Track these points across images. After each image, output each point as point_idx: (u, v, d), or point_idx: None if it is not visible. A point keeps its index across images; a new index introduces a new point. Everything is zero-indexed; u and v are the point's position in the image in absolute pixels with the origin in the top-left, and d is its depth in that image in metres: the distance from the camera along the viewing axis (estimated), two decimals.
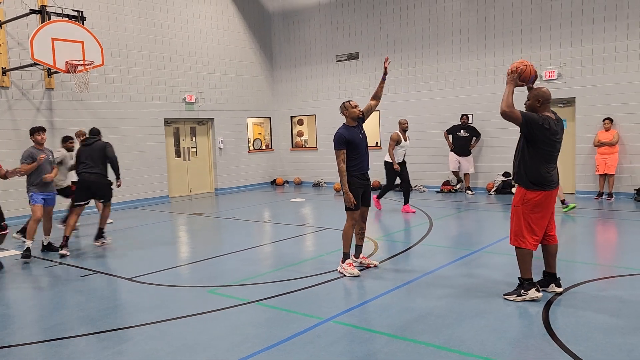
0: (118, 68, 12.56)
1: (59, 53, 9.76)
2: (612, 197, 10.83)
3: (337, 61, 15.25)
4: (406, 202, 10.25)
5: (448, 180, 13.20)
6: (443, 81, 13.26)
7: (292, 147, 16.71)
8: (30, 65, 10.40)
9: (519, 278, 4.91)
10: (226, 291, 5.52)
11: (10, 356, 4.10)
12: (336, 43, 15.22)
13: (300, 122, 16.95)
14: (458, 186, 12.98)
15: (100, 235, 8.14)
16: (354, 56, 14.86)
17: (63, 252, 7.39)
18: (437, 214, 9.84)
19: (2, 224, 6.73)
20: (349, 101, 6.09)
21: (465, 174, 12.71)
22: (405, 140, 10.17)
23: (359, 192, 5.89)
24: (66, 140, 9.10)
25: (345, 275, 5.84)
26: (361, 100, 14.81)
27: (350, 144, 5.81)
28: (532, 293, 4.79)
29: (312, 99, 15.93)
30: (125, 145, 12.69)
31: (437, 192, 13.18)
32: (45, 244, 7.75)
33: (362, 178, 5.93)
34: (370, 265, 6.14)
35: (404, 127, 10.22)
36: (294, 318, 4.62)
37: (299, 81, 16.22)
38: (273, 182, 16.57)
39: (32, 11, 10.00)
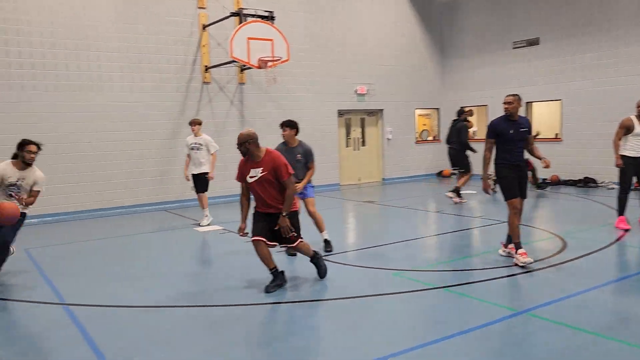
0: (298, 62, 13.46)
1: (252, 51, 10.82)
2: None
3: (513, 48, 14.46)
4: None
5: None
6: None
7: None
8: (228, 62, 11.69)
9: None
10: (411, 275, 5.70)
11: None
12: (513, 28, 14.42)
13: (470, 114, 16.39)
14: None
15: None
16: (533, 42, 13.95)
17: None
18: (634, 214, 8.87)
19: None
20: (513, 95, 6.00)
21: None
22: None
23: (511, 182, 5.94)
24: None
25: (519, 265, 5.73)
26: (540, 90, 14.00)
27: (499, 136, 5.95)
28: None
29: (484, 88, 15.34)
30: (303, 135, 13.50)
31: (631, 189, 11.80)
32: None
33: (512, 168, 5.94)
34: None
35: None
36: (486, 307, 4.61)
37: (470, 71, 15.73)
38: (439, 174, 16.38)
39: (232, 14, 11.22)
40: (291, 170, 5.30)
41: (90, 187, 10.95)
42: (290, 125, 6.97)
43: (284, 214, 5.19)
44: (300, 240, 5.40)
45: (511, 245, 6.11)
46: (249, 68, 11.69)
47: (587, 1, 12.68)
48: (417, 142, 16.13)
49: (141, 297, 5.24)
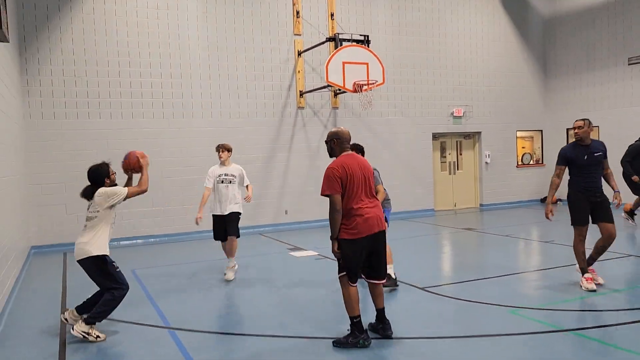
0: (392, 85, 13.24)
1: (347, 75, 10.75)
2: None
3: (629, 64, 13.28)
4: None
5: None
6: None
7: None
8: (323, 87, 11.72)
9: None
10: (530, 314, 5.14)
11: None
12: (629, 43, 13.27)
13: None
14: None
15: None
16: None
17: None
18: None
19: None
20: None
21: None
22: None
23: (578, 207, 5.91)
24: None
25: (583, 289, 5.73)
26: None
27: (572, 162, 5.92)
28: None
29: (594, 108, 14.19)
30: (396, 159, 13.30)
31: None
32: None
33: (585, 193, 5.90)
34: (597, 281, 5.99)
35: None
36: (626, 357, 4.00)
37: (577, 89, 14.65)
38: (543, 200, 15.28)
39: (328, 39, 11.28)
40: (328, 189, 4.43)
41: (192, 211, 11.31)
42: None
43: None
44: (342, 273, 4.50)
45: (591, 267, 6.11)
46: (344, 92, 11.65)
47: None
48: (519, 166, 15.20)
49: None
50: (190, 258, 8.90)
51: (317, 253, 8.73)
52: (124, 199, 4.97)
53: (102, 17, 10.57)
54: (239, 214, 7.23)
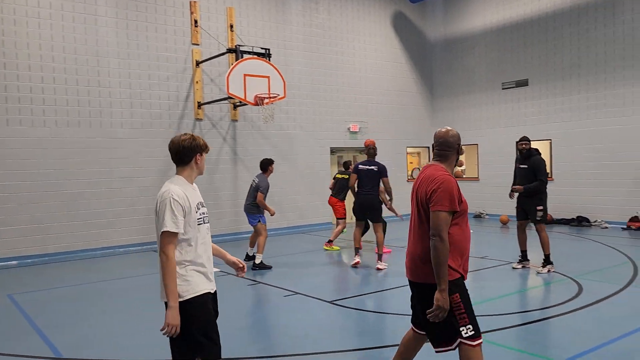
0: (291, 100, 13.37)
1: (248, 87, 10.66)
2: None
3: (503, 89, 14.69)
4: None
5: (637, 216, 11.83)
6: (630, 107, 12.04)
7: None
8: (222, 99, 11.51)
9: None
10: None
11: None
12: (503, 70, 14.69)
13: (461, 152, 16.50)
14: None
15: None
16: (522, 83, 14.20)
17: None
18: (638, 255, 8.81)
19: None
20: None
21: None
22: None
23: None
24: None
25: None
26: (529, 130, 14.14)
27: None
28: None
29: (474, 127, 15.48)
30: (296, 172, 13.40)
31: (623, 229, 11.87)
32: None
33: None
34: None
35: None
36: (518, 357, 4.35)
37: (460, 110, 15.90)
38: None
39: (229, 50, 11.11)
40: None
41: (80, 227, 10.43)
42: None
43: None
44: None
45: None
46: (244, 105, 11.52)
47: (575, 46, 13.00)
48: (409, 180, 16.06)
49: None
50: (74, 280, 8.18)
51: (217, 269, 8.46)
52: None
53: None
54: None
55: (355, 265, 8.36)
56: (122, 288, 7.52)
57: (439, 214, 3.12)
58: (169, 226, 2.99)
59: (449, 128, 3.46)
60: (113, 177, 10.82)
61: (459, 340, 3.09)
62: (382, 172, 8.38)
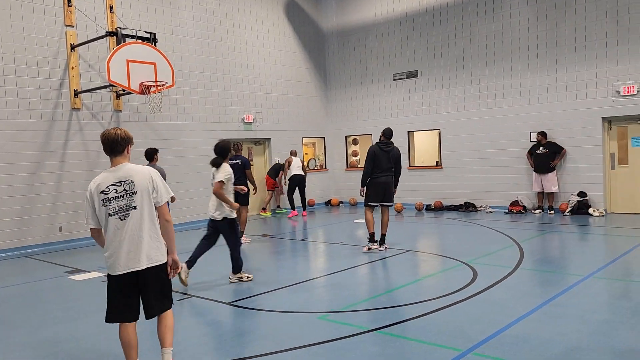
0: (181, 89, 12.59)
1: (133, 74, 9.78)
2: None
3: (394, 80, 15.04)
4: None
5: (517, 201, 12.71)
6: (510, 98, 12.88)
7: (347, 167, 16.49)
8: (104, 87, 10.50)
9: None
10: (338, 318, 5.23)
11: None
12: (394, 61, 15.03)
13: (355, 142, 16.75)
14: (537, 212, 12.29)
15: None
16: (412, 74, 14.63)
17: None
18: (520, 237, 9.39)
19: None
20: None
21: (548, 193, 12.16)
22: None
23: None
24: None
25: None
26: (420, 120, 14.66)
27: None
28: None
29: (368, 117, 15.72)
30: (186, 166, 12.68)
31: (505, 212, 12.70)
32: None
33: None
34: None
35: None
36: (428, 349, 4.29)
37: (354, 100, 16.06)
38: (328, 203, 16.32)
39: (108, 33, 10.10)
40: None
41: None
42: None
43: None
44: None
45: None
46: (128, 93, 10.60)
47: (460, 39, 13.62)
48: (307, 171, 15.92)
49: None
50: None
51: (102, 274, 7.66)
52: None
53: None
54: None
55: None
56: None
57: None
58: (168, 196, 3.72)
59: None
60: None
61: None
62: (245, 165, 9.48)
